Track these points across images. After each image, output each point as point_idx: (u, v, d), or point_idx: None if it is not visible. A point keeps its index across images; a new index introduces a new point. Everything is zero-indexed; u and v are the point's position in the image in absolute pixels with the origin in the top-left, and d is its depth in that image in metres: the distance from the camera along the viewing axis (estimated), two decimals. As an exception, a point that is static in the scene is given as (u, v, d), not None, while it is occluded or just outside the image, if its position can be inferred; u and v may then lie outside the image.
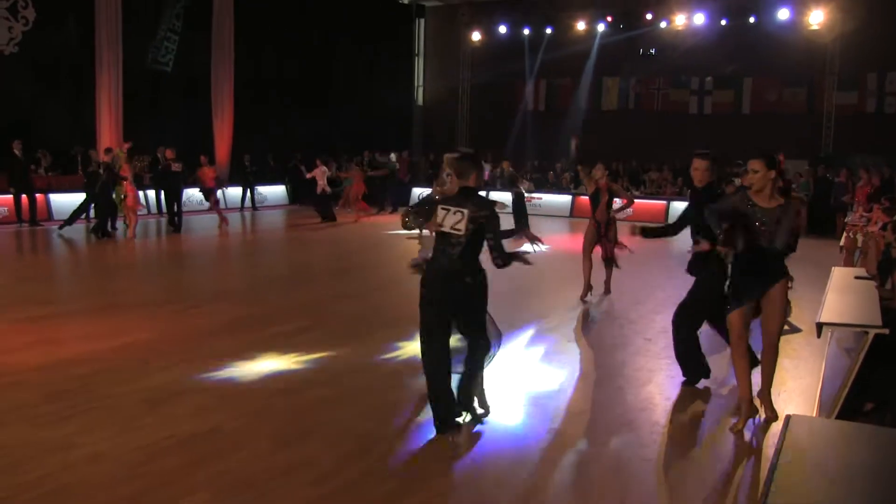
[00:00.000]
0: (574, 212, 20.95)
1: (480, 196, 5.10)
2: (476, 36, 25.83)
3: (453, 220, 4.94)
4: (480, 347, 5.20)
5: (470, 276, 4.99)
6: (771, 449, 4.28)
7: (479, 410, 5.35)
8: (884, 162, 18.53)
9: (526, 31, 24.91)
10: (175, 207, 16.13)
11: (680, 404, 5.88)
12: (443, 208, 5.01)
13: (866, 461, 2.51)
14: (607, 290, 10.08)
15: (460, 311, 5.10)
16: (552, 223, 18.70)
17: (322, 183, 18.43)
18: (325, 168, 18.59)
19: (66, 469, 4.45)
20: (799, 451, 2.49)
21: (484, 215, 4.91)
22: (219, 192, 17.90)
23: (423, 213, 5.26)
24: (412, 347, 6.99)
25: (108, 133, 18.59)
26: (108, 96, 18.76)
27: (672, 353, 6.34)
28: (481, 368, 5.29)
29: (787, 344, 7.63)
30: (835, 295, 5.43)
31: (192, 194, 18.21)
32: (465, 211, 4.90)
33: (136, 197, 15.27)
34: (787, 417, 2.80)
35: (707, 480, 4.57)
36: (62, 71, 18.82)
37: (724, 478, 4.68)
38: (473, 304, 5.11)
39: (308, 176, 18.86)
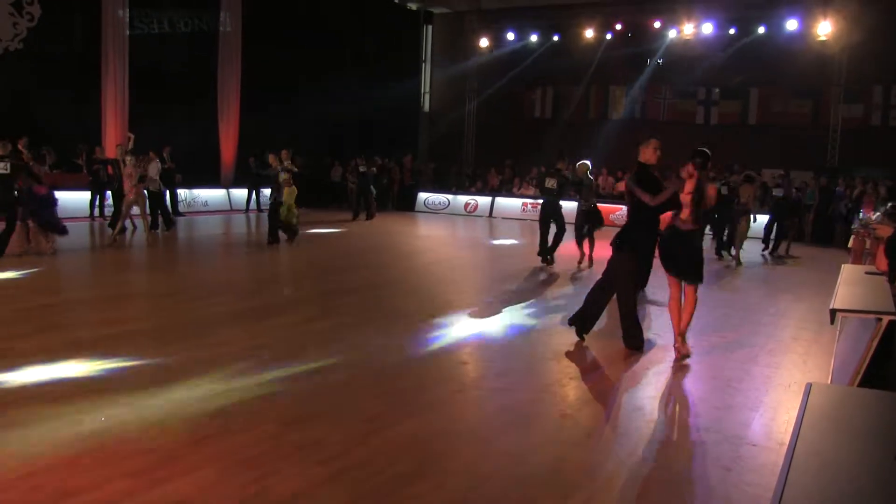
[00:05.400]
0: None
1: None
2: (484, 42, 25.80)
3: None
4: None
5: None
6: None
7: None
8: (888, 175, 18.49)
9: (534, 38, 24.93)
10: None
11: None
12: None
13: (882, 421, 2.50)
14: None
15: None
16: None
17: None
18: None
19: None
20: (818, 413, 2.48)
21: None
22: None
23: None
24: (425, 337, 6.99)
25: (114, 131, 18.61)
26: (114, 94, 18.78)
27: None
28: None
29: (795, 342, 7.62)
30: (846, 287, 5.40)
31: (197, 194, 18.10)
32: None
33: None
34: (808, 385, 2.78)
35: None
36: (68, 68, 18.74)
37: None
38: None
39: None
